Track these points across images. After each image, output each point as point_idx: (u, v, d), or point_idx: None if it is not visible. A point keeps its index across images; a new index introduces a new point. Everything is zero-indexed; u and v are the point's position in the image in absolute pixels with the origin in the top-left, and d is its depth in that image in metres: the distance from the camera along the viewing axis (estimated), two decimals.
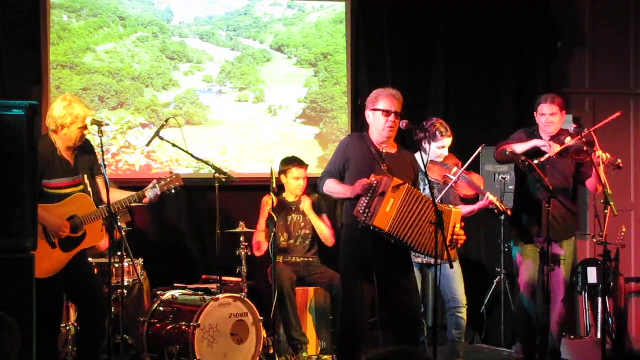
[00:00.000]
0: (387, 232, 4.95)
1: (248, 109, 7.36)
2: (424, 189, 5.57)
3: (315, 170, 7.11)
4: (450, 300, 5.84)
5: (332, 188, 5.20)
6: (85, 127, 5.14)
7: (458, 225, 5.11)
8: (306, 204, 6.62)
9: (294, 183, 6.66)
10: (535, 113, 5.96)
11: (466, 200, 6.01)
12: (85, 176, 5.25)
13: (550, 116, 5.87)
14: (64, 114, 5.09)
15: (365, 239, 4.99)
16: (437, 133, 5.81)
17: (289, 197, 6.74)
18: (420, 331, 5.88)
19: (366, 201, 4.94)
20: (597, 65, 8.05)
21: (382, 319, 5.32)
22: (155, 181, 5.42)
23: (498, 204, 5.77)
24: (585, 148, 5.61)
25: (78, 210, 5.15)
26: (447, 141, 5.87)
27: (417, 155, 5.54)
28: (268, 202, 6.47)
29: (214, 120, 7.27)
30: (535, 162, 5.66)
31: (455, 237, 5.10)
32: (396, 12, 7.51)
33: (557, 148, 5.69)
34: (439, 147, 5.81)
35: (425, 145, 5.65)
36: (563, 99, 5.99)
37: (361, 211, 4.95)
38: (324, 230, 6.65)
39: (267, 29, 7.44)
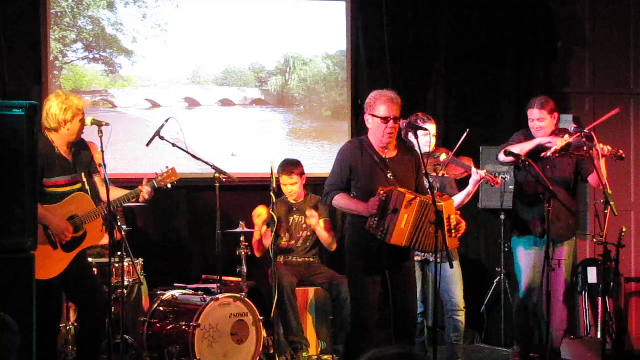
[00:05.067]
0: (403, 246, 4.99)
1: (248, 108, 7.37)
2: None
3: (315, 170, 7.09)
4: (447, 302, 5.82)
5: (344, 204, 5.18)
6: (84, 119, 5.14)
7: (453, 216, 5.11)
8: (313, 221, 6.46)
9: (284, 189, 6.60)
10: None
11: (462, 187, 5.99)
12: (83, 174, 5.23)
13: (537, 121, 5.91)
14: (65, 108, 5.07)
15: (374, 238, 5.00)
16: (419, 121, 5.78)
17: (290, 198, 6.72)
18: (420, 331, 5.89)
19: (378, 217, 4.95)
20: (597, 65, 8.05)
21: (382, 318, 5.32)
22: (146, 179, 5.41)
23: (486, 175, 5.72)
24: (585, 147, 5.63)
25: (78, 209, 5.14)
26: (430, 126, 5.79)
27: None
28: (261, 214, 6.44)
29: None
30: (541, 155, 5.69)
31: (453, 227, 5.09)
32: (396, 12, 7.50)
33: (561, 142, 5.70)
34: (424, 135, 5.71)
35: (412, 139, 5.59)
36: (553, 103, 5.98)
37: (374, 226, 4.96)
38: (327, 239, 6.56)
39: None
